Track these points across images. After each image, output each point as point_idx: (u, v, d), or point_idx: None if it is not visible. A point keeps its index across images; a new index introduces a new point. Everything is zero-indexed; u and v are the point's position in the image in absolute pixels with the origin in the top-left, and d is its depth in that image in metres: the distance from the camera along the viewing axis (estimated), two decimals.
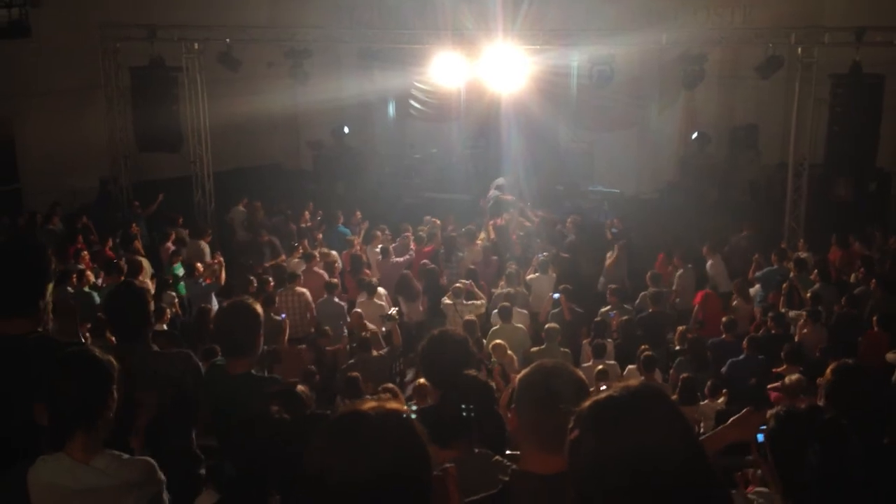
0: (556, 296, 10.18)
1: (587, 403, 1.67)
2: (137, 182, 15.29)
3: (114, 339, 4.15)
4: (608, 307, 10.16)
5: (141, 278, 9.81)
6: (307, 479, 1.62)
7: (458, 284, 10.34)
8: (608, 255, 11.94)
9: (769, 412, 2.62)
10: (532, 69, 13.96)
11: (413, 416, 2.74)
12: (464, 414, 3.07)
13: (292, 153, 19.06)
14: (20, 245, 3.24)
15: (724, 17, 15.21)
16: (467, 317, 9.38)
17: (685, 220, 14.05)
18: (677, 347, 9.31)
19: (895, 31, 11.67)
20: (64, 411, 2.52)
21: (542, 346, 8.90)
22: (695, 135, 16.30)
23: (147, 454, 2.88)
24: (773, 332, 9.05)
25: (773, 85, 13.50)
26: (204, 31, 14.06)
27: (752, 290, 10.61)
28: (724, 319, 9.22)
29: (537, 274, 11.21)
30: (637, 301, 10.51)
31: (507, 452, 3.81)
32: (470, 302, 10.11)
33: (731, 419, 2.93)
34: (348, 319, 10.13)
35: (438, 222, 13.33)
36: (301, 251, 11.85)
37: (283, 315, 9.36)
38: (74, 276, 9.45)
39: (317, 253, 11.59)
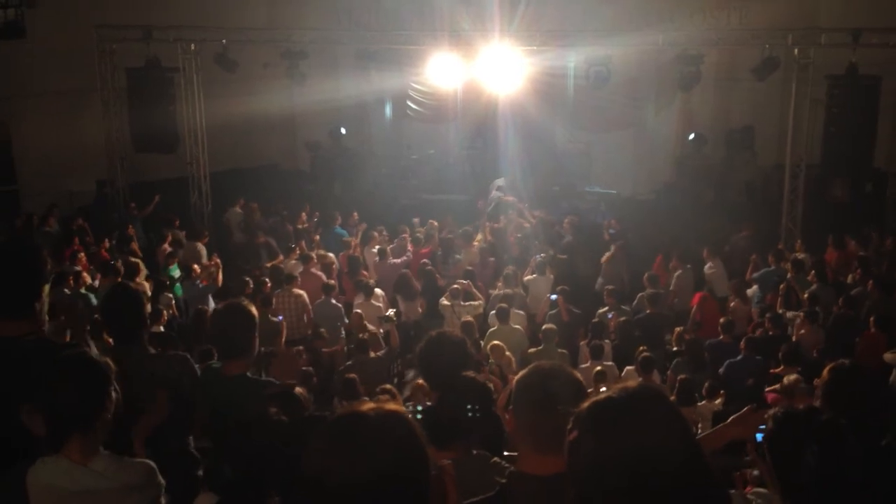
0: (554, 297, 10.17)
1: (586, 404, 1.68)
2: (134, 183, 15.23)
3: (111, 340, 4.15)
4: (606, 308, 10.16)
5: (138, 280, 9.81)
6: (306, 480, 1.61)
7: (455, 285, 10.32)
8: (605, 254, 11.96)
9: (768, 413, 2.63)
10: (529, 70, 13.95)
11: (419, 416, 2.75)
12: (469, 414, 3.06)
13: (289, 154, 19.03)
14: (16, 247, 3.23)
15: (721, 18, 15.23)
16: (465, 318, 9.35)
17: (682, 220, 14.05)
18: (675, 348, 9.32)
19: (891, 32, 11.70)
20: (61, 413, 2.51)
21: (540, 348, 8.90)
22: (691, 136, 16.35)
23: (145, 456, 2.88)
24: (770, 332, 9.06)
25: (770, 86, 13.51)
26: (200, 31, 14.03)
27: (749, 291, 10.62)
28: (721, 320, 9.23)
29: (535, 275, 11.20)
30: (634, 302, 10.51)
31: (505, 454, 3.81)
32: (468, 303, 10.09)
33: (732, 417, 2.94)
34: (346, 321, 10.11)
35: (436, 224, 13.32)
36: (298, 252, 11.82)
37: (280, 317, 9.35)
38: (71, 277, 9.44)
39: (314, 254, 11.56)
